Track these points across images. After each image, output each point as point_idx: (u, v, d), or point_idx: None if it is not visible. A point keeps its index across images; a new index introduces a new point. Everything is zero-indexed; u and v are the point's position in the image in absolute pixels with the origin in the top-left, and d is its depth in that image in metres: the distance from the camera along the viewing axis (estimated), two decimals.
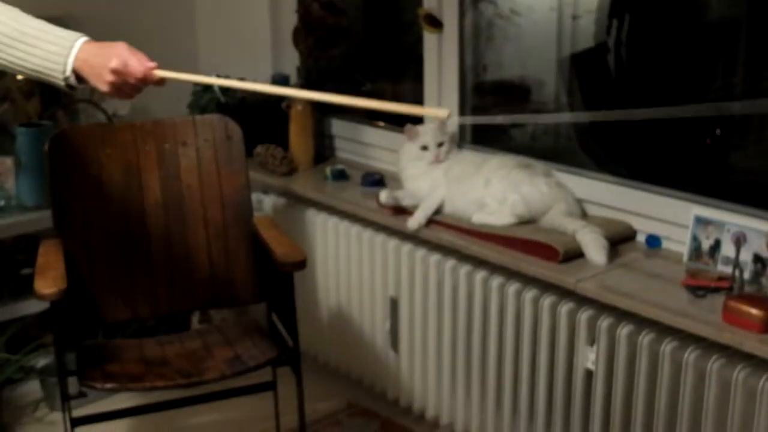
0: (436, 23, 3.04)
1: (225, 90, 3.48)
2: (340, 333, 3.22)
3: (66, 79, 1.95)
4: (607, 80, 3.17)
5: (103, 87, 1.97)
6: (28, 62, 1.95)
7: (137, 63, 1.98)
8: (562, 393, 2.48)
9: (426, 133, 2.89)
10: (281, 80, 3.58)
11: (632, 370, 2.28)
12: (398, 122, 3.23)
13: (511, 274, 2.58)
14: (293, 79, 3.59)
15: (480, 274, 2.65)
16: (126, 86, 1.98)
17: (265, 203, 3.38)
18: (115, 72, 1.95)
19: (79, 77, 1.96)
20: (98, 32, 3.55)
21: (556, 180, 2.73)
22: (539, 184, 2.67)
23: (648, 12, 3.08)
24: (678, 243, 2.51)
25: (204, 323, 3.50)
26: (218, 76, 3.48)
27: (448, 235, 2.71)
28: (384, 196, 2.88)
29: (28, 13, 2.01)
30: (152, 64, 2.02)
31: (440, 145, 2.87)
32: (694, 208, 2.43)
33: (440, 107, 1.97)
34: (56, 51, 1.95)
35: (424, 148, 2.87)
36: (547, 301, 2.47)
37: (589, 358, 2.39)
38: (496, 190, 2.69)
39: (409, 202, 2.86)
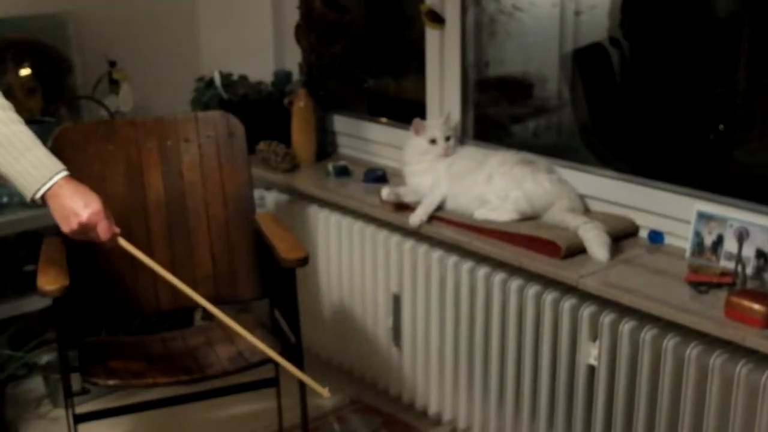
0: (438, 19, 3.04)
1: (227, 86, 3.48)
2: (343, 329, 3.22)
3: (33, 201, 2.04)
4: (610, 76, 3.17)
5: (63, 227, 2.06)
6: (4, 168, 2.03)
7: (106, 229, 2.08)
8: (564, 389, 2.48)
9: (434, 126, 2.89)
10: (284, 76, 3.58)
11: (635, 366, 2.28)
12: (400, 119, 3.23)
13: (513, 270, 2.58)
14: (295, 75, 3.59)
15: (482, 270, 2.65)
16: (81, 236, 2.07)
17: (268, 200, 3.38)
18: (82, 225, 2.04)
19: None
20: (101, 29, 3.57)
21: (558, 176, 2.72)
22: (542, 181, 2.66)
23: (650, 8, 3.07)
24: (680, 239, 2.50)
25: (206, 320, 3.50)
26: (221, 72, 3.50)
27: (450, 232, 2.71)
28: (386, 192, 2.88)
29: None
30: (118, 231, 2.11)
31: (447, 139, 2.87)
32: (697, 204, 2.43)
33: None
34: (35, 175, 2.03)
35: (433, 141, 2.86)
36: (549, 297, 2.47)
37: (591, 354, 2.39)
38: (498, 187, 2.69)
39: (412, 198, 2.85)
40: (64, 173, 2.06)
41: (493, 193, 2.69)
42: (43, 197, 2.03)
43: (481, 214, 2.68)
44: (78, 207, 2.03)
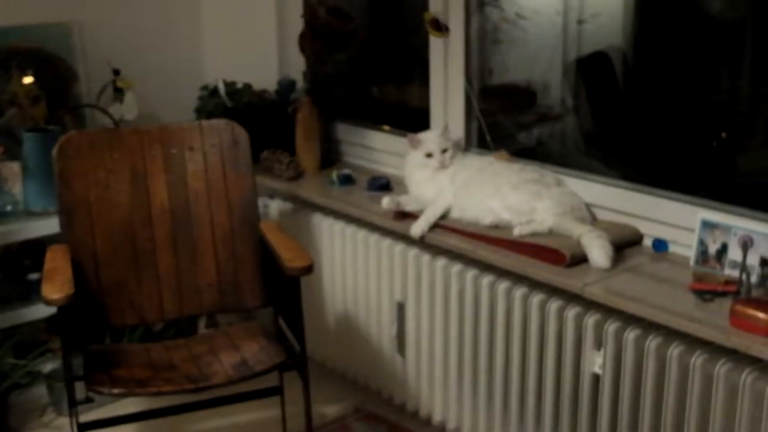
0: (441, 28, 3.04)
1: (231, 94, 3.48)
2: (347, 337, 3.22)
3: None
4: (613, 84, 3.17)
5: None
6: None
7: None
8: (569, 397, 2.48)
9: (429, 140, 2.88)
10: (288, 85, 3.58)
11: (639, 374, 2.28)
12: (404, 127, 3.23)
13: (517, 278, 2.58)
14: (299, 83, 3.59)
15: (486, 279, 2.65)
16: None
17: (272, 208, 3.38)
18: None
19: None
20: (105, 38, 3.58)
21: (568, 188, 2.72)
22: (555, 193, 2.64)
23: (654, 16, 3.08)
24: (685, 247, 2.50)
25: (211, 328, 3.50)
26: (225, 80, 3.51)
27: (454, 240, 2.71)
28: (386, 201, 2.87)
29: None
30: None
31: (444, 151, 2.87)
32: (701, 212, 2.42)
33: None
34: None
35: (429, 155, 2.86)
36: (553, 305, 2.47)
37: (596, 362, 2.39)
38: (516, 201, 2.65)
39: (413, 206, 2.85)
40: None
41: (514, 208, 2.65)
42: None
43: (522, 230, 2.60)
44: None
